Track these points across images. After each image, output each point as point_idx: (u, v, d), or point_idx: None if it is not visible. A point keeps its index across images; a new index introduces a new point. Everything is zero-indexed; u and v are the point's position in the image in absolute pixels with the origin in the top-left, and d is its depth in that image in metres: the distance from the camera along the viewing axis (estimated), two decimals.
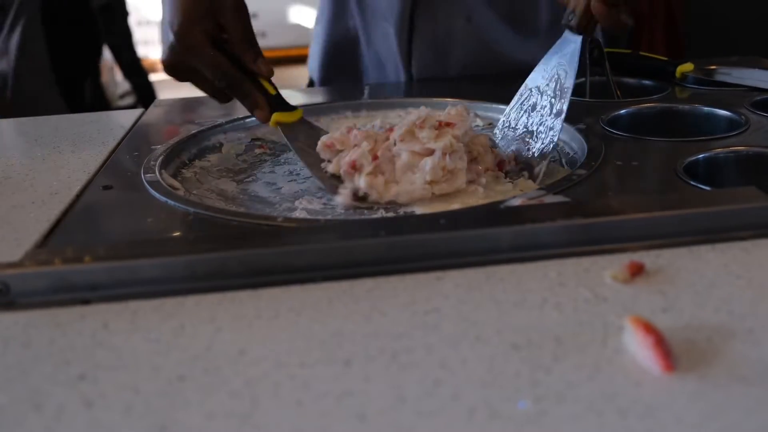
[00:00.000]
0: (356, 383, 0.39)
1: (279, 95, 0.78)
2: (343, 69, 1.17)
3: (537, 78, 0.77)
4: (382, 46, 1.11)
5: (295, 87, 1.23)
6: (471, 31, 1.08)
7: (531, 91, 0.77)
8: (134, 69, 4.11)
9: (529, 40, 1.10)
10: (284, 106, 0.78)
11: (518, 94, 0.79)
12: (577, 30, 0.75)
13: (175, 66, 0.75)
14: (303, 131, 0.78)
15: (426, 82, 1.09)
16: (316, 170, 0.74)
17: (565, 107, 0.71)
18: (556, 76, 0.75)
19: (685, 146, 0.74)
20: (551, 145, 0.71)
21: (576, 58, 0.74)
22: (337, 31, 1.14)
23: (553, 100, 0.73)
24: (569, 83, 0.73)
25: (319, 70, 1.19)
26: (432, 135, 0.68)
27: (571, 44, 0.75)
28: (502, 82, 0.90)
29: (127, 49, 4.03)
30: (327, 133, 0.78)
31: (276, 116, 0.77)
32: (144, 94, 4.13)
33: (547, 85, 0.75)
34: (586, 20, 0.74)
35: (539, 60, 0.79)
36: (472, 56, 1.09)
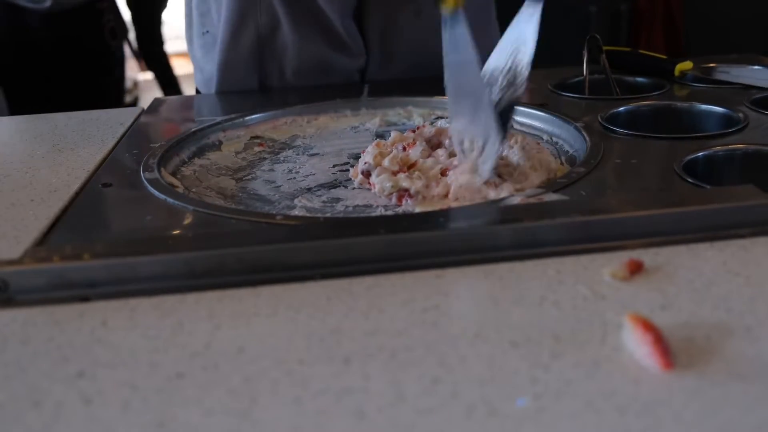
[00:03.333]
0: (355, 381, 0.39)
1: None
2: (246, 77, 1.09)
3: (493, 60, 0.71)
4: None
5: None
6: (420, 27, 1.06)
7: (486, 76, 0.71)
8: (156, 60, 4.08)
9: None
10: None
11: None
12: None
13: None
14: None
15: (418, 81, 1.08)
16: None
17: (520, 90, 0.66)
18: (512, 55, 0.69)
19: (683, 144, 0.74)
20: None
21: (535, 28, 0.68)
22: (245, 35, 1.05)
23: (504, 85, 0.68)
24: (526, 60, 0.67)
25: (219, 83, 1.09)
26: None
27: (529, 13, 0.69)
28: None
29: (149, 40, 4.00)
30: None
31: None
32: (167, 86, 4.12)
33: (502, 70, 0.69)
34: None
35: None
36: (418, 55, 1.08)
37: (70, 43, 2.03)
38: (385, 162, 0.72)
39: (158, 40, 4.05)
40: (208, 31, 1.09)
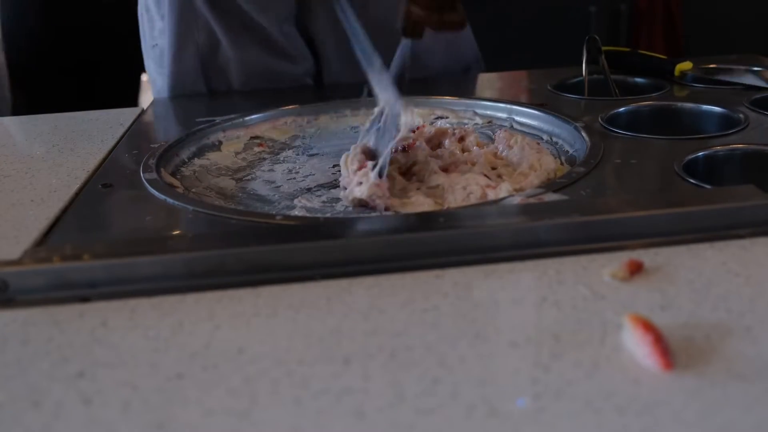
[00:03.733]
0: (355, 381, 0.39)
1: None
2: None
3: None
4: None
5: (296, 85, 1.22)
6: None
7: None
8: None
9: None
10: None
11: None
12: (403, 34, 0.75)
13: None
14: None
15: (417, 81, 1.08)
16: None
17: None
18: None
19: (683, 144, 0.74)
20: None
21: (394, 63, 0.75)
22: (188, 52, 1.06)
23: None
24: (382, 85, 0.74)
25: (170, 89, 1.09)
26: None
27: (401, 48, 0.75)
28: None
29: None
30: None
31: None
32: None
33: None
34: (410, 25, 0.74)
35: None
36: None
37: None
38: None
39: None
40: (156, 45, 1.09)
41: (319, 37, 1.08)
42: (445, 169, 0.71)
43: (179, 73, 1.06)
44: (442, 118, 0.94)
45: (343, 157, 0.73)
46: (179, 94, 1.07)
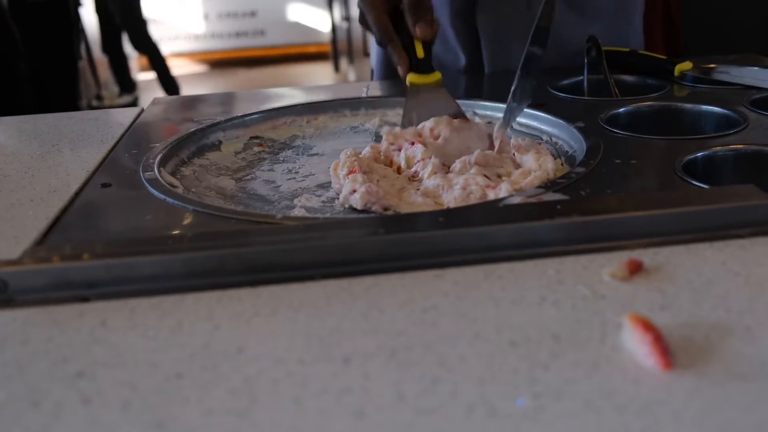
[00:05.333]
0: (355, 381, 0.39)
1: (426, 59, 0.83)
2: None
3: None
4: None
5: (295, 84, 1.23)
6: (531, 18, 1.09)
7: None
8: (146, 49, 4.16)
9: (591, 23, 1.10)
10: (425, 68, 0.83)
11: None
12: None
13: (360, 21, 0.89)
14: (428, 97, 0.83)
15: None
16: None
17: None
18: None
19: (683, 144, 0.74)
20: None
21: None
22: None
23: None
24: None
25: (378, 66, 1.22)
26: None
27: None
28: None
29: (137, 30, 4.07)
30: (457, 107, 0.82)
31: (410, 77, 0.83)
32: (167, 84, 4.18)
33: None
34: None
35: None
36: None
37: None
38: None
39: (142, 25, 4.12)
40: None
41: (485, 29, 1.11)
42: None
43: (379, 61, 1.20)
44: None
45: (333, 164, 0.73)
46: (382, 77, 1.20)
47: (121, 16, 4.11)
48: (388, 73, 1.19)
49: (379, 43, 0.86)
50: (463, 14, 1.12)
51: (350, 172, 0.69)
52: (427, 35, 0.82)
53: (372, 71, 1.27)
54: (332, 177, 0.73)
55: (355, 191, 0.67)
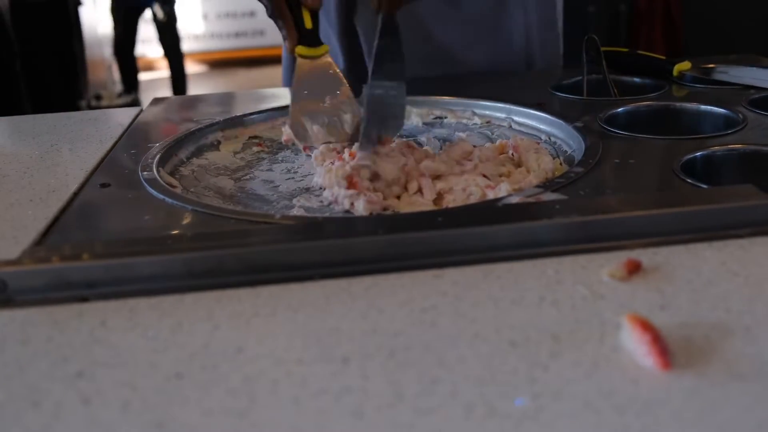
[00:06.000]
0: (354, 381, 0.39)
1: (314, 30, 0.83)
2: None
3: None
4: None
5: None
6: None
7: None
8: (174, 53, 4.17)
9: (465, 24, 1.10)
10: (312, 41, 0.83)
11: None
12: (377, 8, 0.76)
13: None
14: (317, 71, 0.84)
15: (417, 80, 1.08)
16: (294, 109, 0.79)
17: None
18: None
19: (682, 144, 0.74)
20: None
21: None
22: None
23: None
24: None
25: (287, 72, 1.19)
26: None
27: None
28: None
29: (170, 33, 4.09)
30: (341, 81, 0.82)
31: (298, 49, 0.83)
32: (177, 81, 4.20)
33: None
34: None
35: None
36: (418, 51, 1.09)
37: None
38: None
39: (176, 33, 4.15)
40: None
41: (365, 31, 1.11)
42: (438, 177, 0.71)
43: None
44: (441, 118, 0.94)
45: (321, 170, 0.73)
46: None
47: (162, 21, 4.12)
48: None
49: (270, 15, 0.84)
50: (346, 13, 1.11)
51: (350, 186, 0.68)
52: (318, 5, 0.82)
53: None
54: (323, 177, 0.72)
55: (353, 205, 0.66)
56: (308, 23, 0.82)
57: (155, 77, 4.42)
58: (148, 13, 4.31)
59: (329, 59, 0.84)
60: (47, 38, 3.12)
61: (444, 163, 0.71)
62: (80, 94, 3.63)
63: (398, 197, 0.69)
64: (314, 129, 0.82)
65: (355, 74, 1.11)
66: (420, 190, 0.68)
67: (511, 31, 1.11)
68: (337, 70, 0.84)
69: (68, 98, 3.30)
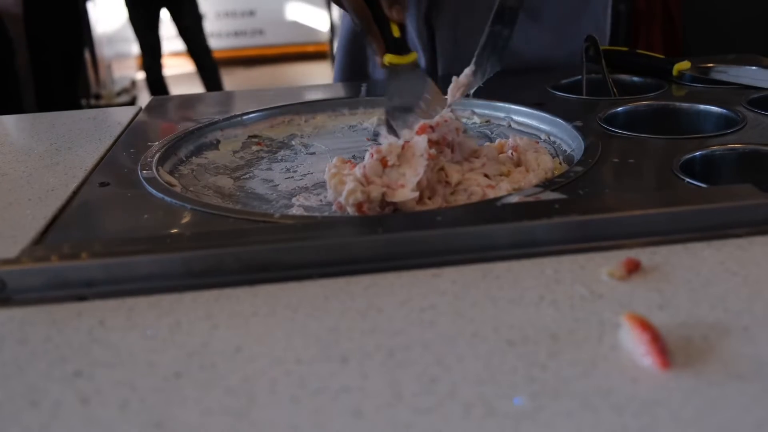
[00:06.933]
0: (353, 380, 0.39)
1: (402, 39, 0.83)
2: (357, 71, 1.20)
3: None
4: None
5: (293, 84, 1.23)
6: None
7: None
8: (203, 53, 4.14)
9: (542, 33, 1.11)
10: (400, 49, 0.83)
11: None
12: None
13: (335, 1, 0.88)
14: (408, 77, 0.83)
15: None
16: (392, 117, 0.78)
17: None
18: None
19: (681, 144, 0.74)
20: None
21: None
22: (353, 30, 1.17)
23: None
24: None
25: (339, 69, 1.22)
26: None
27: None
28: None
29: (198, 33, 4.06)
30: (435, 87, 0.82)
31: (388, 57, 0.83)
32: (209, 79, 4.17)
33: None
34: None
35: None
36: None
37: None
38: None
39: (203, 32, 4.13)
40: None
41: (441, 32, 1.12)
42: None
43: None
44: None
45: (329, 173, 0.71)
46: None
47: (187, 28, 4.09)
48: (351, 75, 1.21)
49: (358, 27, 0.85)
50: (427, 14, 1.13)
51: (359, 212, 0.64)
52: (403, 18, 0.83)
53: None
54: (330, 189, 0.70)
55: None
56: (396, 32, 0.83)
57: (176, 73, 4.37)
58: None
59: (418, 65, 0.84)
60: (54, 33, 3.10)
61: (458, 164, 0.71)
62: (85, 92, 3.62)
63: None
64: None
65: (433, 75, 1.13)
66: (431, 197, 0.68)
67: (588, 28, 1.14)
68: (427, 76, 0.84)
69: (71, 96, 3.29)
